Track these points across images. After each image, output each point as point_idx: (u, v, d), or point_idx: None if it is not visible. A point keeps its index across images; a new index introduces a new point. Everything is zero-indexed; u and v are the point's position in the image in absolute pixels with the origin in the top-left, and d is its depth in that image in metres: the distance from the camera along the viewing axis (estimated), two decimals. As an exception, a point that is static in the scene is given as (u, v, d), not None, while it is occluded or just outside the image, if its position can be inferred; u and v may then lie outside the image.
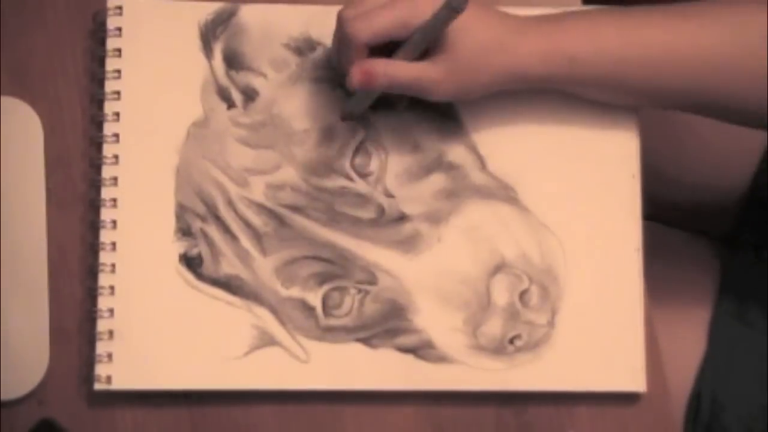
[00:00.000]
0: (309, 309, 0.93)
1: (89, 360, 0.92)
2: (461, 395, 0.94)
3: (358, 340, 0.93)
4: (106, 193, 0.94)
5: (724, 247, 1.10)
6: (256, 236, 0.93)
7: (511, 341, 0.93)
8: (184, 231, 0.93)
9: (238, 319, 0.93)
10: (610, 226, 0.95)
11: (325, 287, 0.93)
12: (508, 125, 0.95)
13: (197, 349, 0.92)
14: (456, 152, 0.95)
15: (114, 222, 0.93)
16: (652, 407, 0.94)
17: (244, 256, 0.93)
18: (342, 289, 0.93)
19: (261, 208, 0.94)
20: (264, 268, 0.93)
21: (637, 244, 0.95)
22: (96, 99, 0.96)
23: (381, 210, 0.94)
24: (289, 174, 0.94)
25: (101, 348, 0.92)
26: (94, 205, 0.94)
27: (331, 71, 0.96)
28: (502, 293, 0.93)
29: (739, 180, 1.10)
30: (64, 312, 0.94)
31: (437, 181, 0.95)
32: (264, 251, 0.93)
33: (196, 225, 0.94)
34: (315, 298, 0.93)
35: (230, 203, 0.94)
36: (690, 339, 1.04)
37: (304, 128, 0.95)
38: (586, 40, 0.90)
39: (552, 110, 0.96)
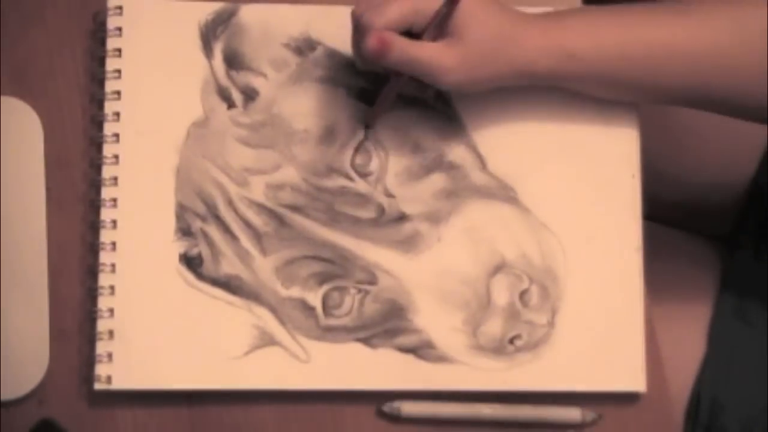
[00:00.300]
0: (309, 309, 0.93)
1: (89, 360, 0.92)
2: (461, 395, 0.93)
3: (358, 339, 0.93)
4: (106, 193, 0.94)
5: (724, 246, 1.10)
6: (256, 236, 0.93)
7: (511, 341, 0.93)
8: (185, 231, 0.93)
9: (238, 319, 0.93)
10: (610, 226, 0.95)
11: (325, 287, 0.93)
12: (508, 125, 0.95)
13: (197, 349, 0.92)
14: (456, 152, 0.95)
15: (114, 222, 0.93)
16: (652, 407, 0.94)
17: (244, 256, 0.93)
18: (342, 289, 0.93)
19: (261, 207, 0.94)
20: (264, 268, 0.93)
21: (637, 244, 0.95)
22: (96, 99, 0.96)
23: (381, 210, 0.94)
24: (289, 174, 0.94)
25: (101, 348, 0.92)
26: (94, 205, 0.94)
27: (331, 71, 0.96)
28: (502, 293, 0.93)
29: (739, 180, 1.10)
30: (64, 312, 0.94)
31: (437, 180, 0.95)
32: (264, 251, 0.93)
33: (196, 225, 0.94)
34: (315, 298, 0.93)
35: (230, 203, 0.94)
36: (690, 339, 1.04)
37: (304, 128, 0.95)
38: (586, 36, 0.90)
39: (552, 110, 0.96)
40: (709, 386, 1.02)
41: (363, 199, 0.94)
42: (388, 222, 0.94)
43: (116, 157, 0.94)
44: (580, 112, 0.96)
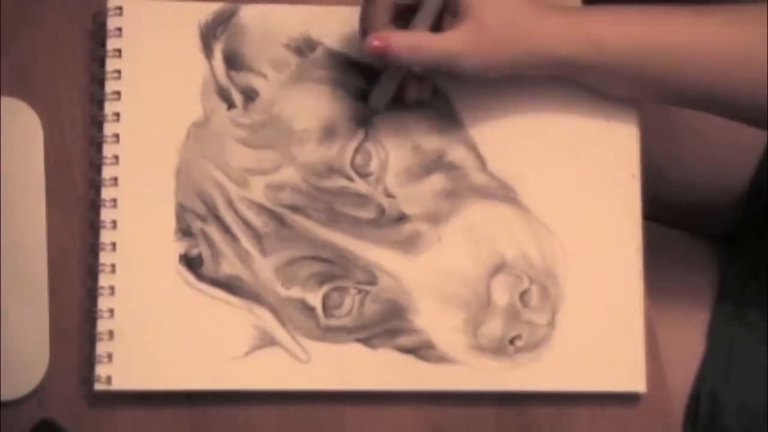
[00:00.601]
0: (309, 309, 0.93)
1: (89, 360, 0.92)
2: (461, 395, 0.94)
3: (358, 340, 0.93)
4: (106, 193, 0.94)
5: (724, 247, 1.10)
6: (257, 236, 0.93)
7: (512, 341, 0.93)
8: (185, 231, 0.93)
9: (238, 319, 0.92)
10: (610, 227, 0.95)
11: (325, 287, 0.93)
12: (508, 125, 0.95)
13: (197, 350, 0.92)
14: (456, 152, 0.95)
15: (114, 222, 0.93)
16: (652, 407, 0.94)
17: (244, 257, 0.93)
18: (342, 290, 0.93)
19: (261, 208, 0.94)
20: (264, 268, 0.93)
21: (637, 245, 0.95)
22: (96, 99, 0.96)
23: (381, 210, 0.94)
24: (289, 174, 0.94)
25: (101, 348, 0.92)
26: (94, 205, 0.94)
27: (332, 72, 0.96)
28: (502, 293, 0.93)
29: (739, 180, 1.10)
30: (64, 312, 0.94)
31: (437, 181, 0.95)
32: (264, 251, 0.93)
33: (197, 225, 0.94)
34: (315, 299, 0.93)
35: (230, 203, 0.94)
36: (690, 339, 1.04)
37: (304, 128, 0.95)
38: (613, 25, 0.90)
39: (552, 111, 0.96)
40: (708, 386, 1.02)
41: (363, 199, 0.94)
42: (388, 222, 0.94)
43: (116, 157, 0.94)
44: (581, 112, 0.95)
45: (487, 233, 0.94)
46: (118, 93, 0.95)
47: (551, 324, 0.93)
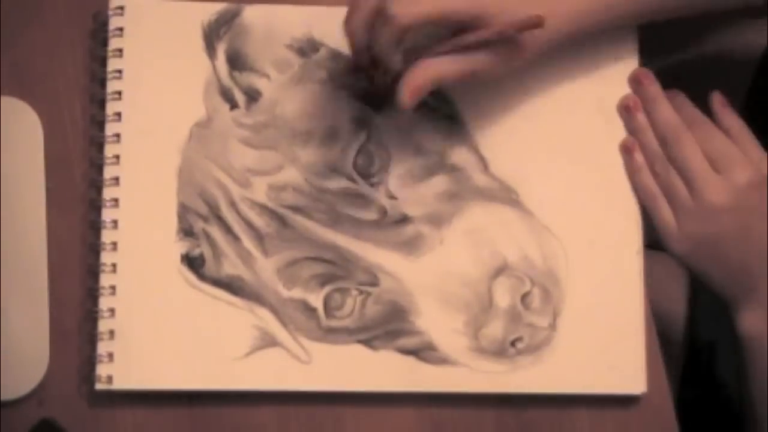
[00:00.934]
0: (310, 310, 0.93)
1: (90, 360, 0.92)
2: (462, 397, 0.94)
3: (360, 341, 0.93)
4: (107, 193, 0.93)
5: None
6: (258, 237, 0.93)
7: (513, 344, 0.93)
8: (186, 231, 0.93)
9: (239, 319, 0.92)
10: (611, 229, 0.95)
11: (327, 288, 0.93)
12: (510, 127, 0.96)
13: (198, 350, 0.92)
14: (458, 154, 0.95)
15: (115, 222, 0.93)
16: (652, 410, 0.94)
17: (246, 257, 0.93)
18: (344, 291, 0.93)
19: (263, 208, 0.94)
20: (266, 268, 0.93)
21: (638, 247, 0.95)
22: (97, 99, 0.96)
23: (383, 211, 0.94)
24: (291, 175, 0.94)
25: (102, 348, 0.91)
26: (95, 205, 0.94)
27: (334, 73, 0.96)
28: (503, 296, 0.93)
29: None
30: (64, 312, 0.93)
31: (439, 183, 0.95)
32: (266, 252, 0.93)
33: (198, 225, 0.93)
34: (316, 300, 0.93)
35: (232, 204, 0.94)
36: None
37: (307, 129, 0.95)
38: None
39: (554, 113, 0.96)
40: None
41: (365, 200, 0.94)
42: (390, 224, 0.94)
43: (117, 157, 0.94)
44: (582, 114, 0.96)
45: (488, 235, 0.94)
46: (119, 93, 0.95)
47: (552, 326, 0.93)
